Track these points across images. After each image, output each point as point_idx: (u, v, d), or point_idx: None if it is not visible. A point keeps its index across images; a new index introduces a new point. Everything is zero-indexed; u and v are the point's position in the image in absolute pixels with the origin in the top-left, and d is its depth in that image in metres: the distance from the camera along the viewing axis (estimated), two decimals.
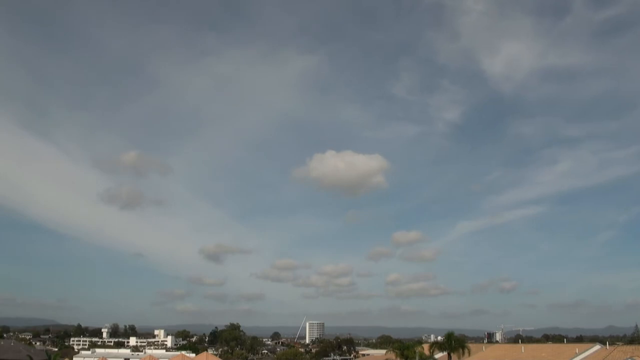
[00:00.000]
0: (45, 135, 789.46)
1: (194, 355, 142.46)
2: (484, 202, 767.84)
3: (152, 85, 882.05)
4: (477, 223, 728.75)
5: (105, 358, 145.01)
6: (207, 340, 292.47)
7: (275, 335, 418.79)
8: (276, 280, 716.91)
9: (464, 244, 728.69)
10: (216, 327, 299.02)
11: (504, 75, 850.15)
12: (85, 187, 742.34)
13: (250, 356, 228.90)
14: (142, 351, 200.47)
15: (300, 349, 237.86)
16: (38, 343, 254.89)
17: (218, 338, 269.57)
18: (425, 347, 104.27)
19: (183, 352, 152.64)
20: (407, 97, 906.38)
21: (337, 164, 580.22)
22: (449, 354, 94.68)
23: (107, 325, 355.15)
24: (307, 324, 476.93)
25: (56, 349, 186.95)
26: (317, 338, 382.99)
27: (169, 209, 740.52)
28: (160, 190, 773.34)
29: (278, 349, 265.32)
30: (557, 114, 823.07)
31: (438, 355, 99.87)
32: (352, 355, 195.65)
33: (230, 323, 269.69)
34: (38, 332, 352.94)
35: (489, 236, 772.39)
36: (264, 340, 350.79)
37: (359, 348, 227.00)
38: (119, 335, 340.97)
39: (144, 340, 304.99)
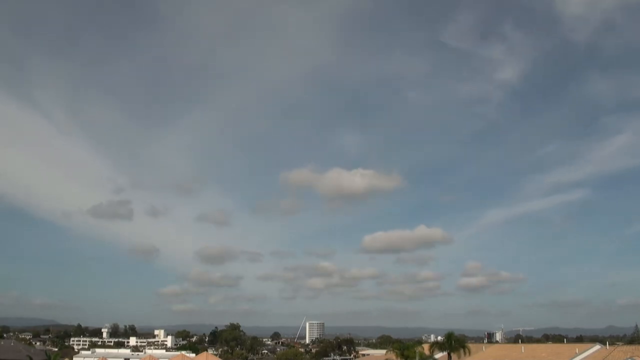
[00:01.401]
0: (26, 98, 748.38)
1: (194, 355, 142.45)
2: (524, 185, 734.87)
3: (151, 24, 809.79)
4: (508, 212, 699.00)
5: (105, 358, 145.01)
6: (207, 340, 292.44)
7: (275, 335, 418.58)
8: (277, 279, 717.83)
9: (487, 237, 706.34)
10: (216, 327, 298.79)
11: (581, 17, 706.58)
12: (82, 172, 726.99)
13: (250, 356, 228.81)
14: (142, 351, 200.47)
15: (300, 349, 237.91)
16: (38, 343, 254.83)
17: (218, 338, 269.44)
18: (426, 347, 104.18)
19: (183, 352, 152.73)
20: (459, 47, 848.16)
21: None
22: (449, 354, 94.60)
23: (107, 325, 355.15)
24: (307, 324, 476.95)
25: (56, 349, 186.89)
26: (317, 338, 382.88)
27: (168, 200, 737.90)
28: (160, 174, 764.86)
29: (278, 349, 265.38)
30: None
31: (438, 355, 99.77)
32: (352, 355, 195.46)
33: (230, 323, 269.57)
34: (38, 332, 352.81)
35: (516, 227, 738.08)
36: (264, 340, 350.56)
37: (359, 348, 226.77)
38: (119, 335, 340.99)
39: (144, 340, 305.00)
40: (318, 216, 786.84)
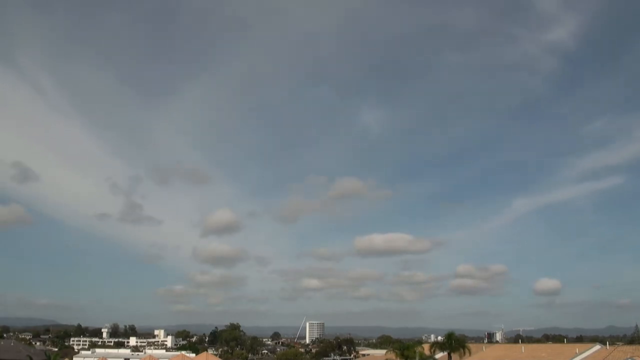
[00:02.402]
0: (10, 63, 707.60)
1: (194, 355, 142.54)
2: (560, 169, 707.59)
3: None
4: (535, 201, 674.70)
5: (105, 358, 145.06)
6: (207, 340, 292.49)
7: (275, 335, 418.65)
8: (277, 279, 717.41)
9: (507, 231, 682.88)
10: (216, 327, 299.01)
11: None
12: (75, 158, 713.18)
13: (250, 356, 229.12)
14: (142, 351, 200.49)
15: (300, 349, 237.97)
16: (38, 343, 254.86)
17: (218, 338, 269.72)
18: (426, 347, 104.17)
19: (183, 352, 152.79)
20: None
21: None
22: (449, 354, 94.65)
23: (107, 325, 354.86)
24: (307, 324, 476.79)
25: (56, 349, 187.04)
26: (317, 338, 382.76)
27: (169, 198, 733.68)
28: (160, 162, 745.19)
29: (278, 349, 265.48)
30: None
31: (438, 355, 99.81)
32: (352, 356, 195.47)
33: (230, 323, 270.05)
34: (38, 332, 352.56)
35: (541, 218, 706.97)
36: (264, 340, 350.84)
37: (359, 348, 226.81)
38: (119, 335, 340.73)
39: (144, 340, 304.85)
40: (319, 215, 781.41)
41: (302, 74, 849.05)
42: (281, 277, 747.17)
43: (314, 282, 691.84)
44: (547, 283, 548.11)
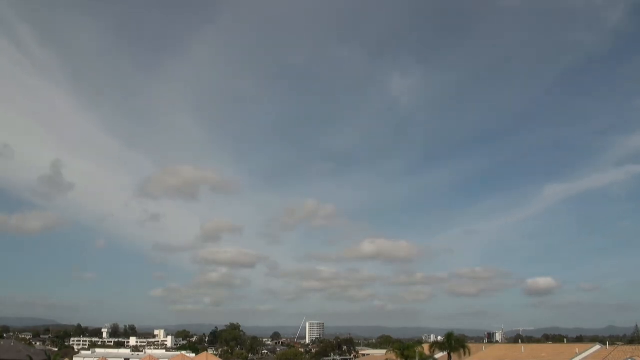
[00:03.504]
0: None
1: (194, 355, 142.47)
2: (603, 150, 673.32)
3: None
4: (572, 187, 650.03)
5: (106, 358, 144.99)
6: (207, 340, 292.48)
7: (275, 335, 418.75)
8: (277, 279, 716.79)
9: (531, 224, 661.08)
10: (216, 327, 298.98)
11: None
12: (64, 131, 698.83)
13: (250, 356, 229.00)
14: (142, 351, 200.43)
15: (300, 349, 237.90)
16: (38, 343, 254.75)
17: (218, 338, 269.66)
18: (426, 347, 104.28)
19: (183, 352, 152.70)
20: None
21: None
22: (449, 354, 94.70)
23: (107, 325, 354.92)
24: (307, 324, 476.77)
25: (56, 349, 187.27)
26: (317, 338, 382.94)
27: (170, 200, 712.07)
28: (160, 147, 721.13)
29: (278, 349, 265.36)
30: None
31: (438, 355, 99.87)
32: (352, 356, 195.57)
33: (230, 323, 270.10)
34: (38, 332, 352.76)
35: (573, 208, 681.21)
36: (264, 340, 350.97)
37: (359, 348, 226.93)
38: (119, 335, 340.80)
39: (144, 340, 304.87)
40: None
41: (326, 28, 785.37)
42: (282, 277, 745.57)
43: (314, 282, 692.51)
44: (548, 282, 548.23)
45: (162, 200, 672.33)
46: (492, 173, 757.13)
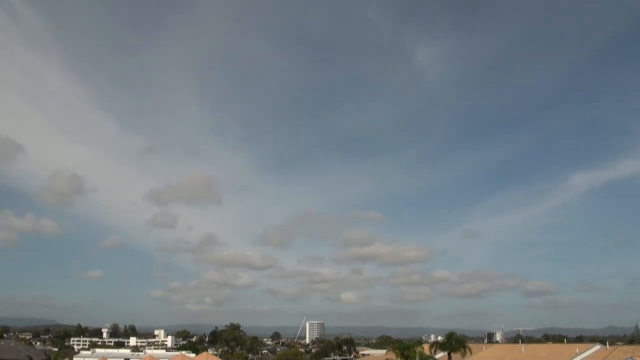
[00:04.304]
0: None
1: (194, 355, 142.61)
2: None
3: None
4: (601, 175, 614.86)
5: (106, 358, 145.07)
6: (207, 340, 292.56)
7: (276, 335, 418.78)
8: (277, 279, 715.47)
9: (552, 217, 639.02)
10: (216, 327, 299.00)
11: None
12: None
13: (250, 356, 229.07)
14: (142, 351, 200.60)
15: (300, 349, 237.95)
16: (38, 343, 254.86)
17: (218, 338, 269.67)
18: (426, 347, 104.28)
19: (183, 352, 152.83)
20: None
21: None
22: (449, 354, 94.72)
23: (107, 325, 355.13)
24: (307, 324, 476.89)
25: (56, 349, 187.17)
26: (317, 338, 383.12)
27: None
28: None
29: (278, 349, 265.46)
30: None
31: (439, 355, 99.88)
32: (352, 356, 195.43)
33: (230, 323, 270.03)
34: (38, 332, 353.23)
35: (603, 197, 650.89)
36: (264, 340, 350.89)
37: (359, 348, 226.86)
38: (119, 335, 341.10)
39: (144, 340, 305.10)
40: None
41: None
42: (281, 277, 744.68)
43: (314, 283, 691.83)
44: (548, 282, 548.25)
45: (166, 202, 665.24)
46: (511, 164, 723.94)
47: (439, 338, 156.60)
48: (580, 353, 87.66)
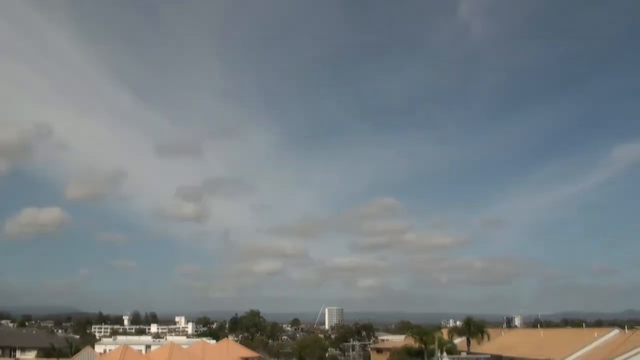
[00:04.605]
0: None
1: (214, 341, 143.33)
2: None
3: None
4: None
5: (127, 345, 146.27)
6: (227, 327, 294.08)
7: (295, 322, 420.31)
8: (297, 265, 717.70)
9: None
10: (236, 314, 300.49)
11: None
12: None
13: (270, 342, 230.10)
14: (163, 338, 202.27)
15: (319, 335, 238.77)
16: (60, 331, 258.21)
17: (238, 324, 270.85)
18: (445, 332, 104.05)
19: (204, 339, 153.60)
20: None
21: None
22: (467, 339, 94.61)
23: (128, 312, 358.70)
24: (327, 310, 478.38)
25: (78, 337, 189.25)
26: (337, 324, 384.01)
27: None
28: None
29: (298, 335, 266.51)
30: None
31: (457, 340, 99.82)
32: (371, 341, 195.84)
33: (250, 309, 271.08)
34: (60, 320, 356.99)
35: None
36: (284, 326, 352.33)
37: (378, 334, 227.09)
38: (140, 322, 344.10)
39: (165, 327, 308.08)
40: None
41: None
42: (301, 263, 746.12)
43: (334, 269, 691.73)
44: (569, 267, 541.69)
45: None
46: (550, 135, 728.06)
47: (458, 323, 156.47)
48: (599, 337, 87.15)
